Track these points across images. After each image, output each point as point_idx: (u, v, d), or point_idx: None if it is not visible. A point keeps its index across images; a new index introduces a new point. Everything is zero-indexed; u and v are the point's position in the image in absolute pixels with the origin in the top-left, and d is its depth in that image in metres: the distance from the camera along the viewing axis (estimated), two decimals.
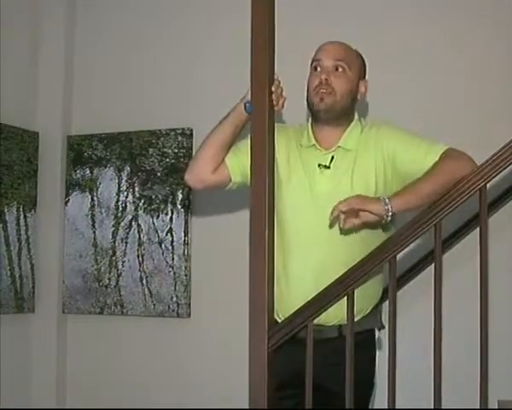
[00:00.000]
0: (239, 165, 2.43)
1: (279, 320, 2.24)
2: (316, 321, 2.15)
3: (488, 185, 2.08)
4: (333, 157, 2.33)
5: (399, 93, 3.28)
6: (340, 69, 2.31)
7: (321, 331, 2.24)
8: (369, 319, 2.36)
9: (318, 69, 2.33)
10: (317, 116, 2.35)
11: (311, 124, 2.40)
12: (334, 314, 2.23)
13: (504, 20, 3.18)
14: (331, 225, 2.22)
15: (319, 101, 2.30)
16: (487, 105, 3.17)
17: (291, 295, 2.29)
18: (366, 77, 2.43)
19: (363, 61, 2.42)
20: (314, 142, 2.36)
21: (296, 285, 2.31)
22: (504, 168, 2.07)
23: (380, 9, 3.36)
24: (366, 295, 2.29)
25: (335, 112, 2.31)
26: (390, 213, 2.06)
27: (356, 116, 2.41)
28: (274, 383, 2.14)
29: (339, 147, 2.33)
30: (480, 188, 2.06)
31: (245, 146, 2.35)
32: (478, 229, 2.08)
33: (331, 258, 2.27)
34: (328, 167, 2.33)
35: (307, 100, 2.37)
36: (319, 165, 2.33)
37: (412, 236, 2.09)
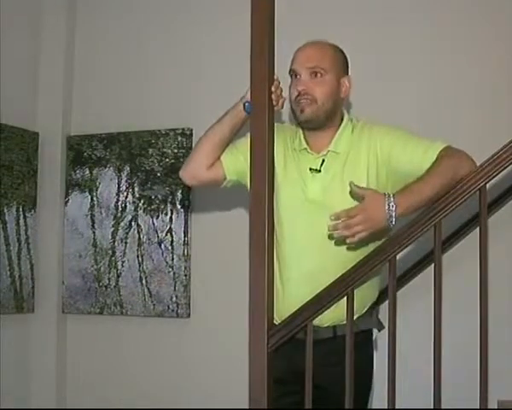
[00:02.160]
0: (234, 163, 2.42)
1: (276, 323, 2.23)
2: (313, 322, 2.14)
3: (488, 185, 2.08)
4: (323, 160, 2.32)
5: (399, 93, 3.28)
6: (319, 75, 2.27)
7: (316, 332, 2.22)
8: (364, 319, 2.34)
9: (297, 77, 2.30)
10: (301, 126, 2.35)
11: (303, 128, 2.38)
12: (329, 316, 2.22)
13: (504, 20, 3.18)
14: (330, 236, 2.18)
15: (300, 112, 2.29)
16: (487, 105, 3.17)
17: (287, 299, 2.28)
18: (349, 72, 2.38)
19: (344, 56, 2.37)
20: (305, 145, 2.35)
21: (291, 289, 2.30)
22: (504, 168, 2.07)
23: (379, 10, 3.36)
24: (362, 295, 2.27)
25: (319, 119, 2.29)
26: (394, 222, 2.04)
27: (346, 116, 2.38)
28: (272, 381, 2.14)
29: (329, 151, 2.32)
30: (480, 188, 2.06)
31: (242, 145, 2.36)
32: (478, 229, 2.08)
33: (326, 261, 2.26)
34: (319, 171, 2.31)
35: (291, 109, 2.36)
36: (310, 169, 2.32)
37: (412, 236, 2.08)
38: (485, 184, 2.06)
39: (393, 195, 2.04)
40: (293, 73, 2.32)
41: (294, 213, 2.32)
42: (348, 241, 2.02)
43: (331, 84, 2.30)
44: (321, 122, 2.30)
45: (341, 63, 2.35)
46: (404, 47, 3.31)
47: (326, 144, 2.32)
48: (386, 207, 2.01)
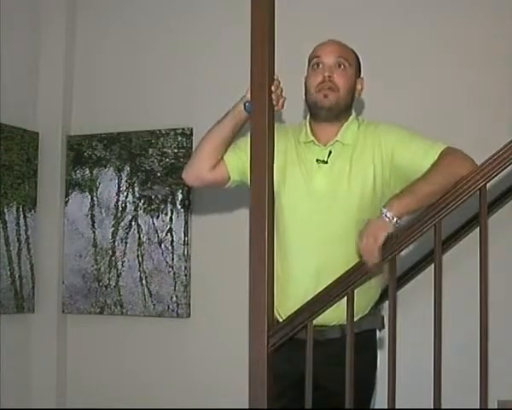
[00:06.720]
0: (238, 163, 2.42)
1: (280, 320, 2.24)
2: (317, 322, 2.14)
3: (488, 185, 2.08)
4: (330, 152, 2.33)
5: (400, 93, 3.28)
6: (342, 66, 2.31)
7: (323, 332, 2.23)
8: (367, 319, 2.34)
9: (320, 66, 2.32)
10: (318, 114, 2.33)
11: (310, 121, 2.39)
12: (335, 314, 2.21)
13: (504, 19, 3.18)
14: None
15: (323, 97, 2.29)
16: (487, 105, 3.17)
17: (290, 295, 2.28)
18: (362, 75, 2.42)
19: (359, 59, 2.41)
20: (312, 138, 2.36)
21: (295, 285, 2.30)
22: (504, 168, 2.06)
23: (379, 10, 3.36)
24: (365, 295, 2.28)
25: (338, 109, 2.31)
26: (397, 224, 2.06)
27: (353, 113, 2.40)
28: (276, 388, 2.14)
29: (337, 141, 2.33)
30: (480, 188, 2.06)
31: (244, 144, 2.35)
32: (478, 229, 2.08)
33: (330, 257, 2.26)
34: (326, 162, 2.32)
35: (307, 99, 2.36)
36: (317, 160, 2.33)
37: (412, 236, 2.08)
38: (485, 184, 2.06)
39: (386, 204, 2.07)
40: (317, 61, 2.33)
41: (298, 206, 2.32)
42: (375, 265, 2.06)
43: (352, 78, 2.35)
44: (338, 113, 2.32)
45: (358, 64, 2.40)
46: (404, 47, 3.31)
47: (333, 136, 2.34)
48: (385, 217, 2.04)
